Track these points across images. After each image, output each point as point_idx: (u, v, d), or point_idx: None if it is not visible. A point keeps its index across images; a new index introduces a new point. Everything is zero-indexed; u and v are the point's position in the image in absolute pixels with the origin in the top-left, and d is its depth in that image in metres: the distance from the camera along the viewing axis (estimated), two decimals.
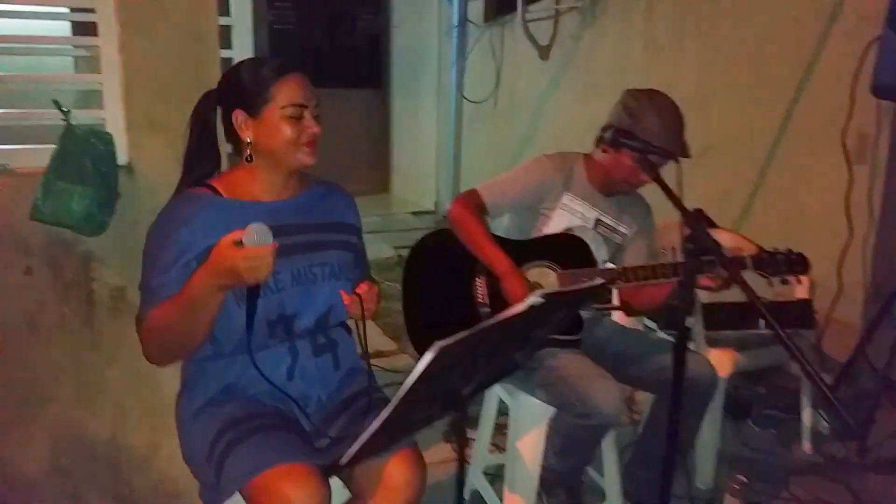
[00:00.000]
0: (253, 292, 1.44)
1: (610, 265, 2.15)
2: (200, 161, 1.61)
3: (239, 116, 1.53)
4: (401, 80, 7.53)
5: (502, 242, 2.07)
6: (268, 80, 1.51)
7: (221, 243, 1.33)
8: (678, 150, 1.94)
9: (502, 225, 2.26)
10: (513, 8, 5.10)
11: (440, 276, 2.11)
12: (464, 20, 5.95)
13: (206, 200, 1.52)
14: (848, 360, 2.82)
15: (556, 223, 2.14)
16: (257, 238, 1.33)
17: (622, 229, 2.20)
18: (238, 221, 1.46)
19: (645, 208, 2.27)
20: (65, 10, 2.12)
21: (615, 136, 1.86)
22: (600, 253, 2.15)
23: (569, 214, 2.14)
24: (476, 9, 5.87)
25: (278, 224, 1.50)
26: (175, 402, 1.64)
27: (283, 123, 1.51)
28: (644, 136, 1.87)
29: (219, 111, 1.59)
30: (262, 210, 1.54)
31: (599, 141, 1.97)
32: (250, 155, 1.55)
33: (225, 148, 1.65)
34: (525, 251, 2.07)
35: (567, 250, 2.09)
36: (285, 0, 7.12)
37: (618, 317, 2.59)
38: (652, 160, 1.84)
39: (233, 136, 1.56)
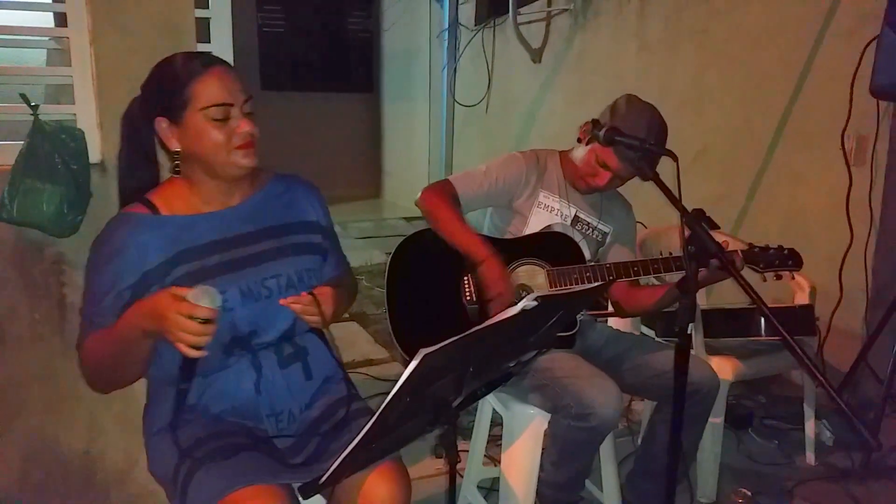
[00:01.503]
0: (187, 369, 1.38)
1: (610, 262, 2.08)
2: (133, 172, 1.48)
3: (162, 124, 1.39)
4: (392, 84, 7.47)
5: (482, 240, 1.99)
6: (184, 79, 1.36)
7: (165, 290, 1.24)
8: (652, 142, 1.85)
9: (482, 225, 2.20)
10: (504, 10, 5.03)
11: (425, 277, 2.03)
12: (455, 23, 5.89)
13: (141, 222, 1.40)
14: (850, 368, 2.75)
15: (535, 223, 2.08)
16: (205, 300, 1.20)
17: (602, 227, 2.15)
18: (177, 239, 1.39)
19: (625, 207, 2.22)
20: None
21: (588, 128, 1.88)
22: (583, 252, 2.09)
23: (546, 213, 2.09)
24: (467, 11, 5.80)
25: (222, 237, 1.43)
26: (142, 416, 1.55)
27: (207, 127, 1.36)
28: (621, 125, 1.83)
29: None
30: (205, 222, 1.43)
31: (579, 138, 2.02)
32: (177, 166, 1.42)
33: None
34: (512, 249, 2.01)
35: (555, 247, 2.03)
36: (275, 3, 7.04)
37: (613, 321, 2.51)
38: (620, 153, 1.86)
39: (163, 146, 1.45)
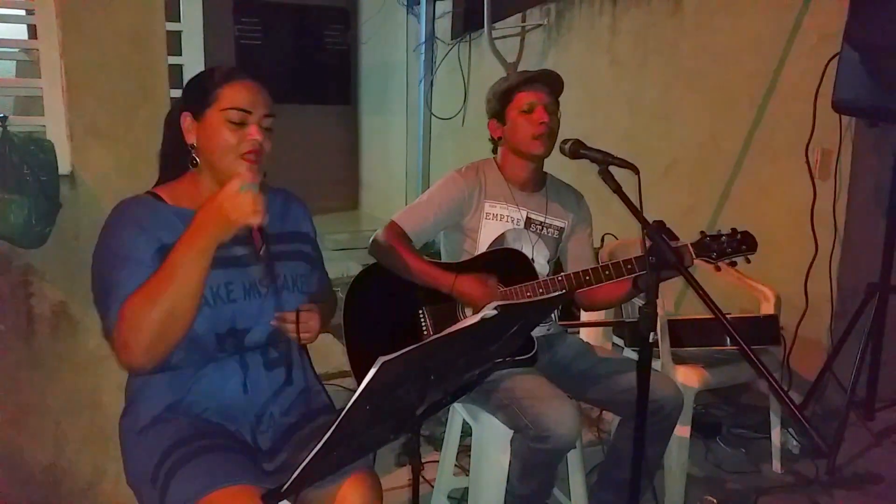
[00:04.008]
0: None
1: (562, 274, 2.09)
2: (170, 163, 1.55)
3: (186, 119, 1.48)
4: (369, 97, 7.49)
5: (441, 268, 2.01)
6: (216, 82, 1.46)
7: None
8: (534, 72, 2.10)
9: (440, 251, 2.22)
10: (480, 25, 5.09)
11: (381, 314, 2.03)
12: (431, 37, 5.93)
13: (151, 203, 1.46)
14: (816, 377, 2.80)
15: (486, 235, 2.08)
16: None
17: (557, 223, 2.15)
18: (178, 230, 1.39)
19: (575, 197, 2.23)
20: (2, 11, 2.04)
21: (494, 123, 2.12)
22: (542, 252, 2.11)
23: (496, 222, 2.09)
24: (443, 26, 5.85)
25: None
26: (119, 421, 1.54)
27: (222, 127, 1.43)
28: (505, 86, 2.09)
29: None
30: None
31: (493, 143, 2.17)
32: (195, 159, 1.48)
33: None
34: (465, 273, 1.99)
35: (508, 265, 2.03)
36: (252, 15, 7.05)
37: (584, 332, 2.54)
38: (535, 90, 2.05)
39: (184, 140, 1.50)
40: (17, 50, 2.05)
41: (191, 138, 1.47)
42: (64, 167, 1.90)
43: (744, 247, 1.92)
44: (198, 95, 1.47)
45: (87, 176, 1.95)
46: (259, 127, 1.45)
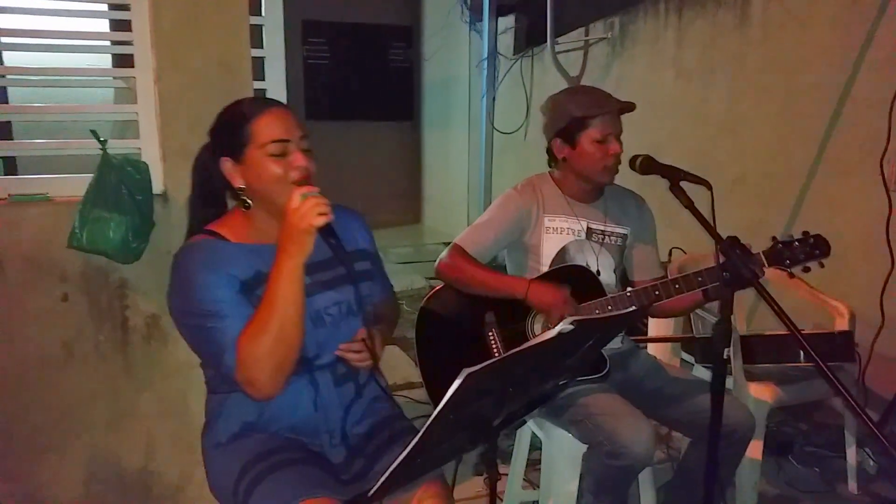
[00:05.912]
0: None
1: (629, 289, 2.09)
2: (203, 210, 1.56)
3: (227, 164, 1.47)
4: (432, 113, 7.60)
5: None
6: (244, 120, 1.45)
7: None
8: (612, 102, 2.05)
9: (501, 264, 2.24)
10: (542, 40, 5.12)
11: (451, 337, 2.06)
12: (494, 52, 5.99)
13: (218, 245, 1.47)
14: (894, 395, 2.72)
15: (549, 249, 2.09)
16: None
17: (619, 230, 2.14)
18: (251, 263, 1.44)
19: (636, 202, 2.21)
20: (103, 42, 2.19)
21: (558, 143, 2.06)
22: (607, 261, 2.11)
23: (557, 235, 2.09)
24: (506, 41, 5.91)
25: None
26: (201, 436, 1.62)
27: (267, 162, 1.43)
28: (580, 111, 2.02)
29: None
30: (270, 252, 1.44)
31: (553, 159, 2.12)
32: (245, 201, 1.49)
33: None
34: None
35: (576, 282, 2.03)
36: (319, 35, 7.27)
37: (653, 348, 2.53)
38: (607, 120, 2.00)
39: (229, 185, 1.50)
40: (114, 78, 2.19)
41: (238, 182, 1.47)
42: (157, 187, 2.03)
43: (817, 251, 1.87)
44: (230, 138, 1.46)
45: (179, 195, 2.06)
46: (301, 152, 1.45)
